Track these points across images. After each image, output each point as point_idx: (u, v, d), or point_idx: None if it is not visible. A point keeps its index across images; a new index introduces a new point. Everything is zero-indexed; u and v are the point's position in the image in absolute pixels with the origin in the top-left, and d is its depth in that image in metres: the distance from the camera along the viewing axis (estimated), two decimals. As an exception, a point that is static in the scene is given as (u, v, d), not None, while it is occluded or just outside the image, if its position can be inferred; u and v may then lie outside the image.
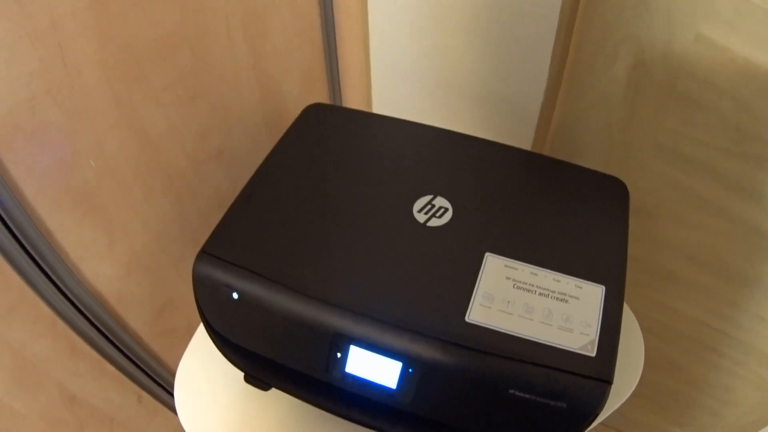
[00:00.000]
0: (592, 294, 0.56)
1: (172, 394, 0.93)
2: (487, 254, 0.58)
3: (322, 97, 1.04)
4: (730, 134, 0.78)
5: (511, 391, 0.50)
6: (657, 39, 0.75)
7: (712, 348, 1.04)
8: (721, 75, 0.74)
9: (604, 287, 0.56)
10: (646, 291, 1.02)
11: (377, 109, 1.03)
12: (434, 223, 0.61)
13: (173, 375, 0.73)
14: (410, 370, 0.53)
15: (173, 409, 0.99)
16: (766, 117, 0.74)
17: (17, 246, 0.64)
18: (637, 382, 0.69)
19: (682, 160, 0.83)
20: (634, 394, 0.68)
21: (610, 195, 0.67)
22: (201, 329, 0.75)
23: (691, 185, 0.85)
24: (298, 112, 0.75)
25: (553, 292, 0.56)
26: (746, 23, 0.69)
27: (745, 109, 0.75)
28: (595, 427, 0.54)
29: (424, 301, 0.55)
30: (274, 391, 0.64)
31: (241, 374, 0.64)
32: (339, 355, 0.54)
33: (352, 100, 1.04)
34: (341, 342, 0.54)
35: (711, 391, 1.12)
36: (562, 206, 0.65)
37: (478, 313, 0.54)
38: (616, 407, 0.66)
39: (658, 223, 0.92)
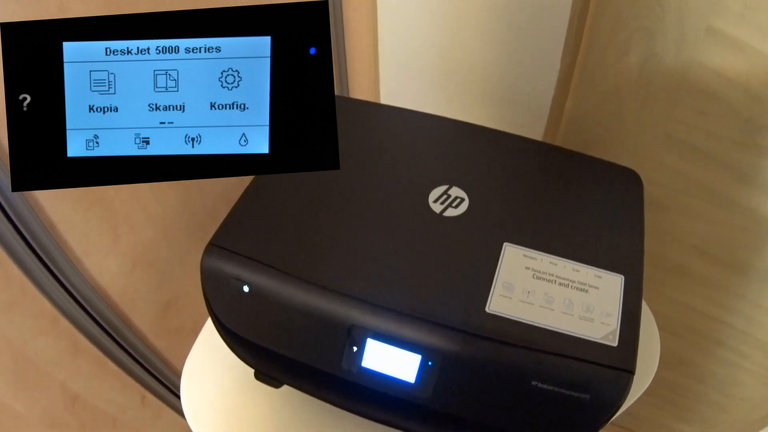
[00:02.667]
0: (612, 284, 0.55)
1: (176, 395, 0.92)
2: (505, 244, 0.57)
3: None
4: (741, 126, 0.78)
5: (534, 383, 0.49)
6: (669, 31, 0.75)
7: (719, 342, 1.04)
8: (732, 67, 0.74)
9: (623, 277, 0.55)
10: (653, 285, 1.01)
11: (384, 101, 1.02)
12: (450, 213, 0.60)
13: (178, 375, 0.72)
14: (430, 363, 0.51)
15: (177, 410, 0.98)
16: (777, 108, 0.74)
17: (18, 238, 0.63)
18: (652, 376, 0.68)
19: (693, 152, 0.83)
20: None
21: (624, 185, 0.66)
22: (208, 326, 0.74)
23: (702, 177, 0.85)
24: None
25: (573, 281, 0.54)
26: (756, 15, 0.69)
27: (756, 100, 0.75)
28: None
29: (442, 292, 0.54)
30: (286, 388, 0.63)
31: (251, 371, 0.63)
32: (355, 348, 0.53)
33: (359, 93, 1.03)
34: (357, 335, 0.53)
35: (718, 385, 1.12)
36: (577, 197, 0.64)
37: (498, 304, 0.52)
38: (631, 403, 0.65)
39: (669, 216, 0.91)
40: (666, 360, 1.09)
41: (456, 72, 0.90)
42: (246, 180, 0.64)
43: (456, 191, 0.62)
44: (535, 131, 0.88)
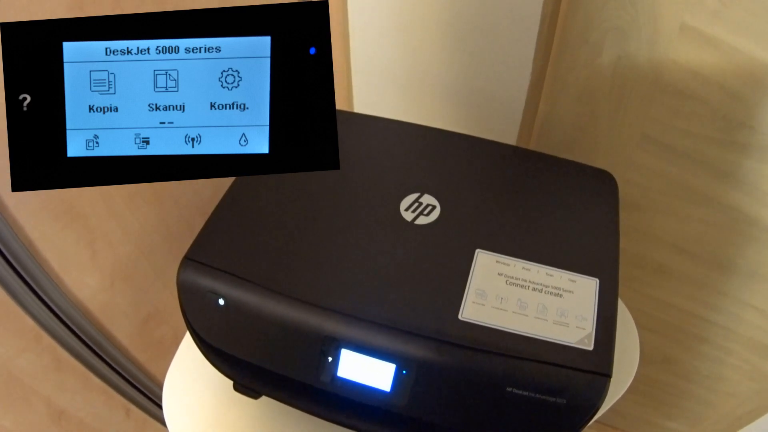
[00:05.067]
0: (587, 287, 0.55)
1: (160, 406, 0.91)
2: (477, 251, 0.57)
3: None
4: (718, 123, 0.78)
5: (509, 389, 0.49)
6: (642, 30, 0.75)
7: (703, 339, 1.04)
8: (708, 64, 0.74)
9: (598, 280, 0.56)
10: (635, 284, 1.01)
11: (358, 109, 1.02)
12: (422, 221, 0.60)
13: (161, 386, 0.72)
14: (404, 371, 0.51)
15: (162, 422, 0.97)
16: (753, 105, 0.74)
17: (-1, 257, 0.63)
18: (633, 376, 0.68)
19: (669, 151, 0.83)
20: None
21: (599, 187, 0.66)
22: (187, 338, 0.74)
23: (678, 176, 0.85)
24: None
25: (547, 286, 0.55)
26: (731, 11, 0.69)
27: (732, 98, 0.75)
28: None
29: (415, 301, 0.54)
30: (264, 398, 0.63)
31: (230, 383, 0.63)
32: (330, 359, 0.53)
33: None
34: (332, 346, 0.53)
35: (703, 381, 1.12)
36: (551, 200, 0.64)
37: (471, 311, 0.53)
38: (612, 403, 0.65)
39: (647, 215, 0.92)
40: (650, 358, 1.10)
41: (428, 78, 0.90)
42: (220, 192, 0.64)
43: (427, 199, 0.62)
44: (508, 135, 0.88)
